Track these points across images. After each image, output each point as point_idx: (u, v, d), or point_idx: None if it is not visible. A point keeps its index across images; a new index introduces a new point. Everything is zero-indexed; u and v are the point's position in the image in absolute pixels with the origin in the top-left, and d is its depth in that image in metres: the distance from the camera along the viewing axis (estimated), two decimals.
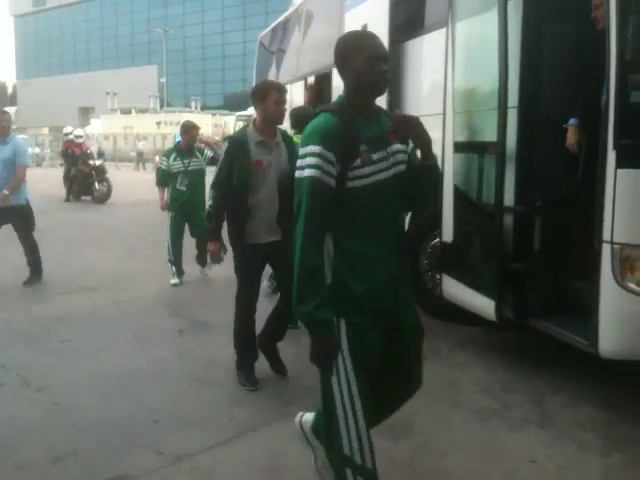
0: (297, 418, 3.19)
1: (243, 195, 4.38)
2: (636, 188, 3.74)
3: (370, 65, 2.46)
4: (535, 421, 4.02)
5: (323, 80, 9.41)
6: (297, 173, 2.48)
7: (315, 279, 2.44)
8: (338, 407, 2.59)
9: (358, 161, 2.46)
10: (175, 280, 7.77)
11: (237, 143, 4.44)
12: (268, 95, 4.38)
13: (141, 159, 36.18)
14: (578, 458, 3.58)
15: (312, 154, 2.42)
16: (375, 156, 2.52)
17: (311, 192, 2.41)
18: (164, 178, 7.87)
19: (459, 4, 5.27)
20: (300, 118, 6.55)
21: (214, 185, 4.52)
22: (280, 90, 4.45)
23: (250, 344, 4.74)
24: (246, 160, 4.35)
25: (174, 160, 7.75)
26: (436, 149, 5.70)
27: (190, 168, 7.74)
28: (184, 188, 7.75)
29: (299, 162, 2.47)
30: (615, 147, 3.71)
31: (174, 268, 7.79)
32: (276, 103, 4.39)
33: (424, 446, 3.72)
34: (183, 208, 7.76)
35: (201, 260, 8.06)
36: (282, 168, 4.22)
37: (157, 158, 7.49)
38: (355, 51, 2.49)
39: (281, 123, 4.51)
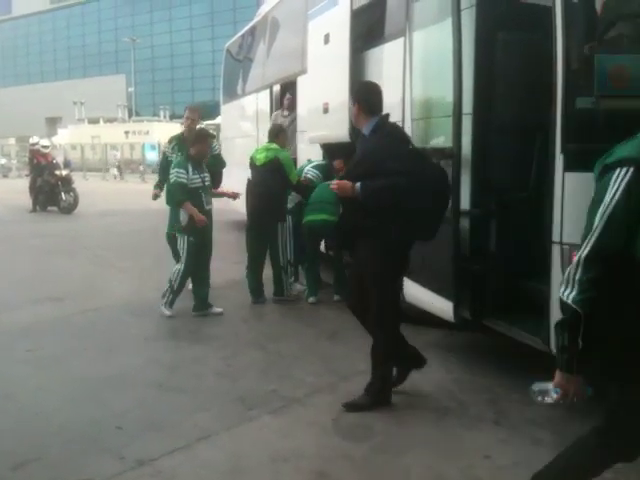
0: None
1: None
2: (583, 190, 3.87)
3: None
4: (491, 419, 4.13)
5: (288, 88, 9.52)
6: None
7: None
8: None
9: None
10: (170, 312, 6.61)
11: None
12: None
13: (119, 169, 36.01)
14: (532, 454, 3.67)
15: None
16: None
17: None
18: (185, 194, 6.51)
19: (416, 14, 5.40)
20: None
21: (596, 255, 2.21)
22: None
23: None
24: None
25: (193, 174, 6.55)
26: None
27: (207, 184, 6.71)
28: (211, 207, 6.79)
29: None
30: (563, 151, 3.85)
31: (172, 297, 6.64)
32: None
33: (382, 445, 3.80)
34: (205, 232, 6.70)
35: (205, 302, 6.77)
36: None
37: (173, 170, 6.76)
38: None
39: None
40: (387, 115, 4.38)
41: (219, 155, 7.77)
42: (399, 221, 4.12)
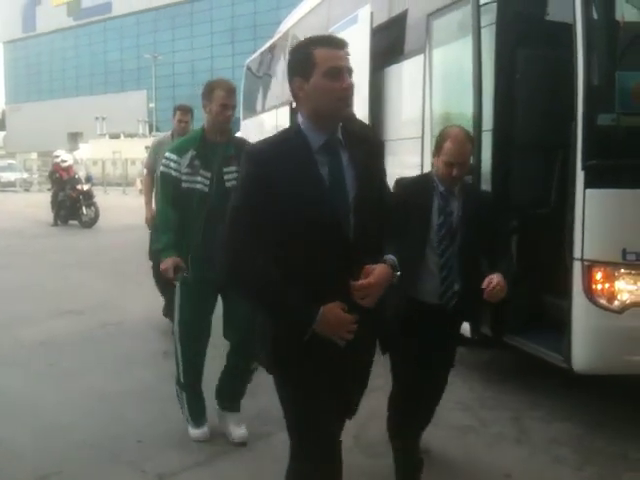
0: None
1: None
2: (604, 207, 3.87)
3: None
4: (512, 437, 4.10)
5: None
6: None
7: None
8: None
9: None
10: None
11: None
12: None
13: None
14: (553, 472, 3.66)
15: None
16: None
17: None
18: None
19: (435, 31, 5.43)
20: None
21: None
22: None
23: None
24: None
25: None
26: (415, 172, 5.88)
27: None
28: None
29: None
30: (584, 168, 3.85)
31: None
32: None
33: None
34: None
35: None
36: None
37: None
38: None
39: None
40: None
41: None
42: None
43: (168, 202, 3.94)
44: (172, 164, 3.89)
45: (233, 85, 3.91)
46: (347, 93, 2.25)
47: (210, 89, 3.91)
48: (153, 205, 6.42)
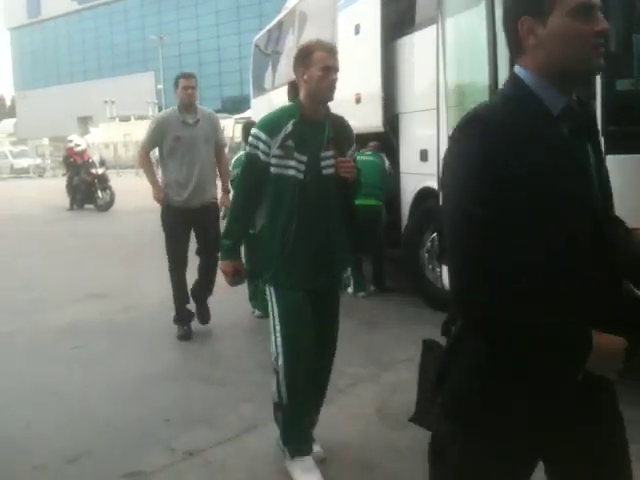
0: None
1: None
2: (625, 173, 3.84)
3: None
4: None
5: None
6: None
7: None
8: None
9: None
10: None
11: None
12: None
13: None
14: None
15: None
16: None
17: None
18: None
19: (448, 1, 5.37)
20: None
21: None
22: None
23: None
24: None
25: None
26: (431, 144, 5.87)
27: None
28: None
29: None
30: (604, 133, 3.81)
31: None
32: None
33: (427, 435, 3.80)
34: None
35: None
36: None
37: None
38: None
39: None
40: None
41: None
42: None
43: (249, 192, 3.31)
44: (261, 145, 3.19)
45: (335, 46, 3.28)
46: (602, 40, 1.55)
47: (307, 52, 3.19)
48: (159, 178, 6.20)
